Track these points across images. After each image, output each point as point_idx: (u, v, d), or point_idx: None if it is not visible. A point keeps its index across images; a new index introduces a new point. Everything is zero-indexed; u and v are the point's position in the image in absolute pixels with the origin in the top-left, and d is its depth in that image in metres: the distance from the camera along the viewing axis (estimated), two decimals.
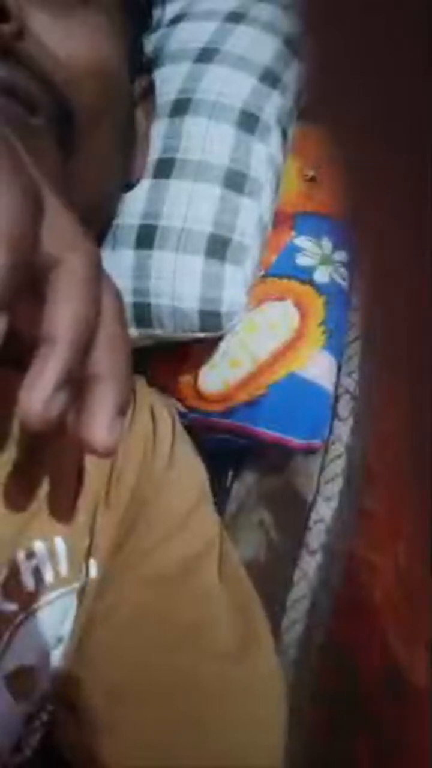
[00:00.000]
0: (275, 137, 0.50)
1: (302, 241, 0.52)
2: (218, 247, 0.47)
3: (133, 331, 0.48)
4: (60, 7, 0.37)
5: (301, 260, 0.52)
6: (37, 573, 0.37)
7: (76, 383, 0.23)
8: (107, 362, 0.23)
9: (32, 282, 0.23)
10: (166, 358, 0.51)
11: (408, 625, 0.43)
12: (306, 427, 0.49)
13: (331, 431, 0.50)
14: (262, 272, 0.51)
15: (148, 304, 0.47)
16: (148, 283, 0.47)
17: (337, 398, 0.51)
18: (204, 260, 0.46)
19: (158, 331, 0.48)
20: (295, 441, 0.49)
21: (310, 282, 0.51)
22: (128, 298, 0.47)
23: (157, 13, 0.52)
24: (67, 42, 0.36)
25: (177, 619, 0.39)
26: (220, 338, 0.49)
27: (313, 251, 0.52)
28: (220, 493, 0.50)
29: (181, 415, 0.50)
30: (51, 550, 0.38)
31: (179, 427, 0.47)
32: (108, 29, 0.39)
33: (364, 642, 0.45)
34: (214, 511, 0.45)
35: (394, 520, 0.46)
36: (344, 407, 0.51)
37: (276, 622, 0.45)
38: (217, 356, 0.50)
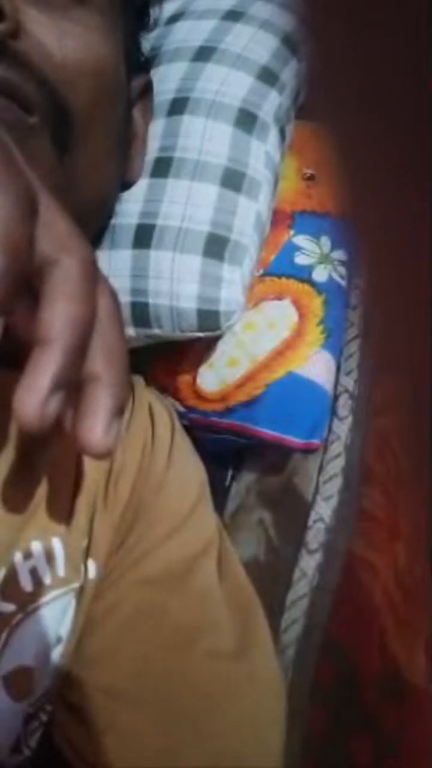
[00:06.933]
0: (273, 136, 0.50)
1: (301, 240, 0.52)
2: (216, 247, 0.47)
3: (132, 331, 0.48)
4: (56, 7, 0.36)
5: (300, 259, 0.51)
6: (35, 574, 0.37)
7: (73, 384, 0.23)
8: (103, 363, 0.23)
9: (28, 283, 0.22)
10: (165, 358, 0.51)
11: (407, 625, 0.43)
12: (305, 426, 0.49)
13: (330, 430, 0.50)
14: (261, 271, 0.51)
15: (147, 304, 0.47)
16: (146, 282, 0.47)
17: (336, 397, 0.51)
18: (202, 260, 0.46)
19: (157, 331, 0.48)
20: (294, 440, 0.49)
21: (309, 281, 0.51)
22: (126, 298, 0.47)
23: (154, 11, 0.52)
24: (64, 41, 0.36)
25: (176, 619, 0.39)
26: (218, 338, 0.49)
27: (311, 250, 0.52)
28: (219, 493, 0.50)
29: (180, 415, 0.50)
30: (48, 551, 0.38)
31: (178, 426, 0.47)
32: (105, 29, 0.39)
33: (364, 642, 0.44)
34: (214, 511, 0.45)
35: (394, 519, 0.46)
36: (343, 406, 0.51)
37: (275, 621, 0.45)
38: (216, 356, 0.50)
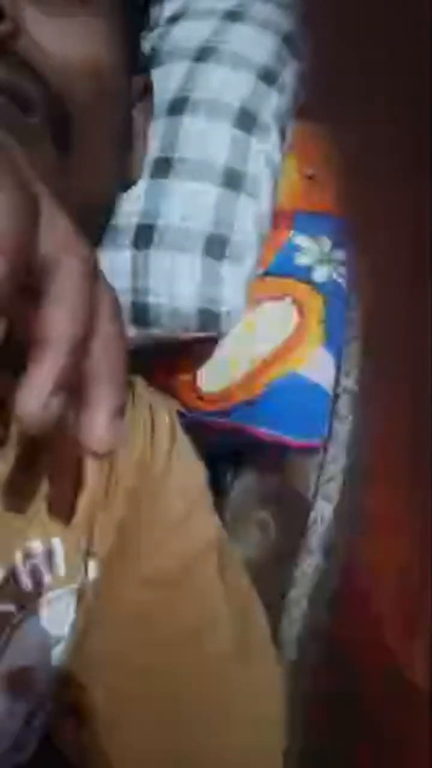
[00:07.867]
0: (273, 136, 0.50)
1: (301, 240, 0.52)
2: (217, 246, 0.47)
3: (132, 331, 0.48)
4: (56, 7, 0.36)
5: (300, 259, 0.51)
6: (35, 574, 0.37)
7: (74, 384, 0.23)
8: (104, 363, 0.23)
9: (28, 285, 0.23)
10: (165, 358, 0.51)
11: (408, 625, 0.43)
12: (305, 426, 0.49)
13: (330, 430, 0.50)
14: (261, 271, 0.51)
15: (147, 304, 0.47)
16: (146, 282, 0.47)
17: (336, 397, 0.51)
18: (202, 259, 0.46)
19: (157, 331, 0.48)
20: (294, 440, 0.49)
21: (309, 281, 0.51)
22: (126, 298, 0.47)
23: (155, 11, 0.52)
24: (64, 42, 0.36)
25: (177, 619, 0.39)
26: (218, 338, 0.49)
27: (312, 250, 0.52)
28: (219, 493, 0.50)
29: (180, 415, 0.50)
30: (49, 550, 0.38)
31: (178, 426, 0.47)
32: (105, 29, 0.39)
33: (364, 642, 0.44)
34: (214, 511, 0.45)
35: (394, 519, 0.46)
36: (343, 406, 0.50)
37: (275, 621, 0.45)
38: (216, 356, 0.50)
